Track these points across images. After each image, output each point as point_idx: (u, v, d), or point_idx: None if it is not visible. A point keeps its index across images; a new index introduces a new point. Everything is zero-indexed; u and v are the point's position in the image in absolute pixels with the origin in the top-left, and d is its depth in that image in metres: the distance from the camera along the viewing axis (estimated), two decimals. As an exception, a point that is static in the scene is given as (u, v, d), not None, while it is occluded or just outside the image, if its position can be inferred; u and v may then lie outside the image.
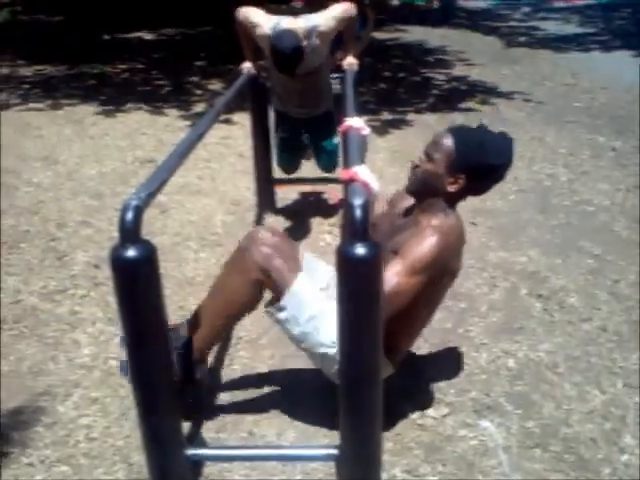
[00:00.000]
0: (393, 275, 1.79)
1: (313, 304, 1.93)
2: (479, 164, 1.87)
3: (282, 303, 1.93)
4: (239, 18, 3.21)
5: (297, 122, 3.49)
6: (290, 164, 3.68)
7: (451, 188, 1.91)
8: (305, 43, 2.97)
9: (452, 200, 1.96)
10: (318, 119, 3.47)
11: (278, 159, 3.67)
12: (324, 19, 3.07)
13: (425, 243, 1.82)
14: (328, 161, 3.61)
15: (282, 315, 1.95)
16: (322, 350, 1.93)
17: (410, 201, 2.06)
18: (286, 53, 2.90)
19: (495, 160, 1.89)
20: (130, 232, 1.40)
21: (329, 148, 3.53)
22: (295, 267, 2.00)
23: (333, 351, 1.85)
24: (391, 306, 1.79)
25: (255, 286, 1.98)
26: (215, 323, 2.05)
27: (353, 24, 3.27)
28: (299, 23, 3.02)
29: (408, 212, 2.05)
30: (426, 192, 1.94)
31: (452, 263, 1.95)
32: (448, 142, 1.89)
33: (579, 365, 2.43)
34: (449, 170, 1.89)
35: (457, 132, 1.93)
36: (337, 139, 3.47)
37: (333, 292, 1.97)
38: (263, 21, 3.10)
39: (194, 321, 2.10)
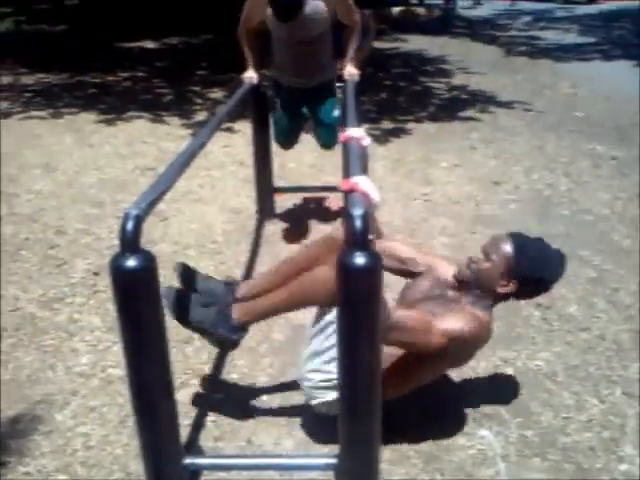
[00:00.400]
0: (428, 321, 1.85)
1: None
2: (533, 276, 1.96)
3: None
4: (243, 14, 3.26)
5: (296, 93, 3.46)
6: (287, 138, 3.63)
7: (501, 290, 1.99)
8: None
9: (496, 299, 2.04)
10: (317, 90, 3.44)
11: (275, 133, 3.62)
12: None
13: (467, 323, 1.90)
14: (327, 135, 3.54)
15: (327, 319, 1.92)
16: (334, 369, 1.92)
17: (451, 275, 2.10)
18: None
19: (549, 276, 1.99)
20: (130, 242, 1.41)
21: (327, 121, 3.47)
22: None
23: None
24: (405, 338, 1.82)
25: None
26: (281, 300, 1.96)
27: (354, 23, 3.29)
28: None
29: (453, 288, 2.08)
30: (476, 286, 2.01)
31: (467, 352, 2.01)
32: (508, 248, 1.97)
33: (578, 374, 2.43)
34: (504, 274, 1.97)
35: (518, 240, 2.00)
36: (337, 112, 3.44)
37: None
38: None
39: (253, 286, 2.14)
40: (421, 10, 13.31)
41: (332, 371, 1.91)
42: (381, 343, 1.90)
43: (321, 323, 1.97)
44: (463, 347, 1.94)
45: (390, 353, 1.98)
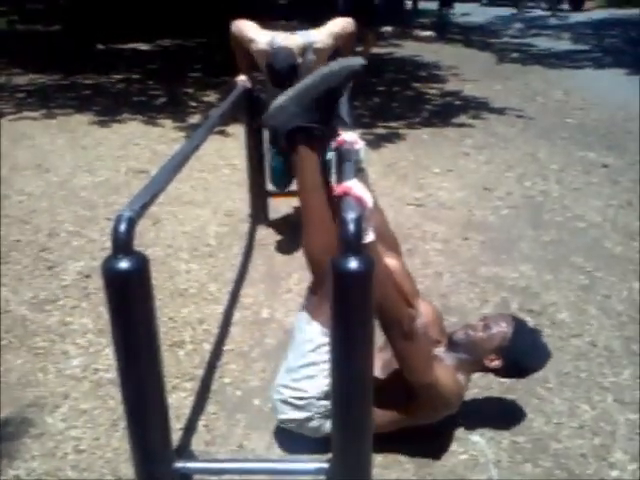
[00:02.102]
0: (429, 361, 1.88)
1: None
2: (521, 361, 2.04)
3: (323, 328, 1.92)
4: (234, 32, 3.22)
5: None
6: (283, 180, 3.63)
7: (487, 362, 2.03)
8: (300, 60, 2.98)
9: (477, 368, 2.08)
10: None
11: (271, 175, 3.63)
12: (321, 35, 3.09)
13: (444, 375, 1.92)
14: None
15: (322, 339, 1.92)
16: (306, 387, 1.96)
17: (438, 326, 2.18)
18: (282, 71, 2.92)
19: (532, 367, 2.08)
20: (123, 244, 1.40)
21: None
22: None
23: (314, 397, 1.95)
24: (415, 359, 1.84)
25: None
26: None
27: (351, 40, 3.28)
28: (295, 40, 3.04)
29: (436, 342, 2.11)
30: (465, 351, 2.04)
31: (435, 411, 2.00)
32: (508, 328, 2.02)
33: (569, 380, 2.44)
34: (495, 350, 2.01)
35: (519, 324, 2.06)
36: (330, 154, 3.44)
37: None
38: (259, 36, 3.12)
39: None
40: (418, 33, 13.28)
41: (303, 389, 1.95)
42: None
43: (299, 338, 1.99)
44: (438, 401, 1.94)
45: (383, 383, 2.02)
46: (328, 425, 1.91)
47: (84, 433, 2.12)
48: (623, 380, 2.44)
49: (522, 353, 2.02)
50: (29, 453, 2.03)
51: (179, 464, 1.72)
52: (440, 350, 2.07)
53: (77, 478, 1.94)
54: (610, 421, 2.21)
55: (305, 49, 3.03)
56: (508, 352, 2.00)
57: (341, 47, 3.25)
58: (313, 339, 1.95)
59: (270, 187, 3.86)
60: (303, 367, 1.95)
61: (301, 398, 1.96)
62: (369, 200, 1.72)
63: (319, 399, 1.94)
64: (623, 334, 2.74)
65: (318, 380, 1.93)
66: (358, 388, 1.54)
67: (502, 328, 2.02)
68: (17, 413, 2.21)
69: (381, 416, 1.91)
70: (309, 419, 1.98)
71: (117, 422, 2.15)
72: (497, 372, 2.09)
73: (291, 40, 3.03)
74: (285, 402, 2.00)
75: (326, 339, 1.88)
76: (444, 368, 1.96)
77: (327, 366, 1.86)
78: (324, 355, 1.88)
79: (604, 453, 2.07)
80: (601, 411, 2.27)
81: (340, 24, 3.14)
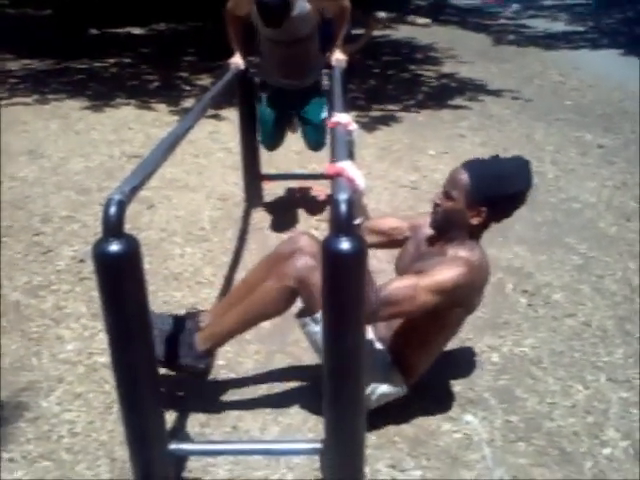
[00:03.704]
0: (412, 284, 1.82)
1: None
2: (498, 195, 1.89)
3: (319, 316, 1.89)
4: (229, 5, 3.23)
5: (283, 94, 3.45)
6: (274, 140, 3.63)
7: (474, 221, 1.93)
8: None
9: (477, 231, 1.98)
10: (304, 91, 3.44)
11: (261, 135, 3.60)
12: None
13: (451, 269, 1.84)
14: (314, 136, 3.54)
15: (317, 328, 1.93)
16: None
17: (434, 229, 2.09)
18: (272, 4, 2.90)
19: (513, 188, 1.91)
20: (113, 227, 1.40)
21: (315, 121, 3.46)
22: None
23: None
24: (398, 309, 1.82)
25: (289, 295, 1.95)
26: (236, 321, 2.02)
27: (344, 16, 3.27)
28: None
29: (433, 240, 2.05)
30: (450, 227, 1.96)
31: (472, 297, 1.96)
32: (464, 178, 1.90)
33: (563, 360, 2.45)
34: (469, 205, 1.91)
35: (472, 166, 1.93)
36: (324, 113, 3.43)
37: None
38: None
39: (215, 312, 2.15)
40: (412, 18, 13.16)
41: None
42: (378, 321, 1.92)
43: (312, 338, 2.00)
44: (462, 292, 1.87)
45: (403, 331, 2.01)
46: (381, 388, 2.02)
47: (78, 416, 2.12)
48: (616, 359, 2.45)
49: (493, 187, 1.88)
50: (24, 436, 2.04)
51: (173, 446, 1.73)
52: (437, 244, 2.00)
53: (72, 460, 1.95)
54: (603, 400, 2.23)
55: None
56: (481, 198, 1.88)
57: (335, 18, 3.27)
58: (316, 331, 1.94)
59: (265, 170, 3.86)
60: None
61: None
62: (361, 182, 1.72)
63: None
64: (617, 314, 2.75)
65: None
66: (350, 368, 1.54)
67: (460, 183, 1.90)
68: (11, 397, 2.21)
69: (434, 328, 1.94)
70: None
71: (111, 405, 2.15)
72: (495, 220, 1.97)
73: None
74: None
75: (320, 325, 1.90)
76: (442, 265, 1.86)
77: None
78: None
79: (597, 431, 2.08)
80: (594, 390, 2.28)
81: None
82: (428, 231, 2.08)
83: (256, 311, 2.00)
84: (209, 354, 2.10)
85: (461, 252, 1.92)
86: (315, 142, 3.60)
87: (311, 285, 1.88)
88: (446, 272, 1.83)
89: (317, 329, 1.92)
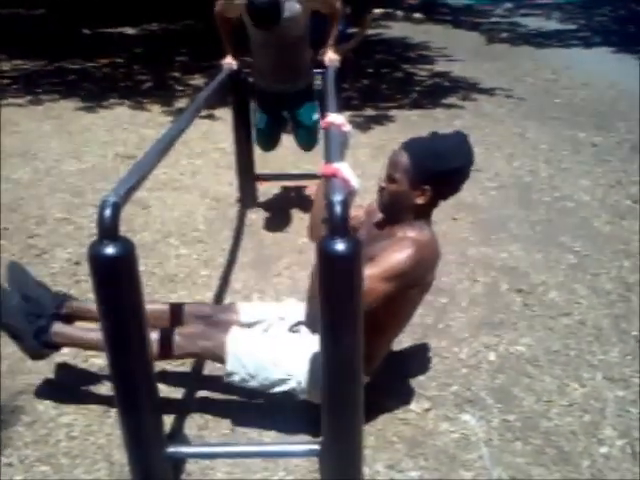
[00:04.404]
0: (366, 276, 1.78)
1: (254, 354, 2.00)
2: (439, 172, 1.85)
3: (228, 369, 2.00)
4: (218, 7, 3.23)
5: (276, 97, 3.45)
6: (269, 142, 3.64)
7: (420, 200, 1.90)
8: None
9: (425, 211, 1.95)
10: (297, 94, 3.44)
11: (256, 137, 3.62)
12: None
13: (400, 252, 1.82)
14: (307, 138, 3.56)
15: (236, 378, 2.00)
16: (288, 386, 2.00)
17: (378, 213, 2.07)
18: (262, 6, 2.90)
19: (454, 163, 1.87)
20: (108, 229, 1.40)
21: (307, 123, 3.48)
22: (222, 330, 2.06)
23: (294, 382, 1.98)
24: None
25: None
26: (93, 340, 2.03)
27: (336, 15, 3.27)
28: None
29: (383, 223, 2.04)
30: (397, 209, 1.94)
31: (424, 276, 1.94)
32: (404, 159, 1.88)
33: (559, 359, 2.45)
34: (413, 185, 1.88)
35: (410, 146, 1.90)
36: (316, 115, 3.44)
37: (274, 330, 2.15)
38: None
39: (85, 311, 2.21)
40: (400, 13, 13.17)
41: (286, 369, 1.99)
42: None
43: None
44: (414, 273, 1.85)
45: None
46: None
47: (76, 420, 2.12)
48: (612, 358, 2.46)
49: (433, 165, 1.84)
50: (21, 440, 2.03)
51: (171, 449, 1.73)
52: (386, 228, 1.99)
53: (70, 464, 1.94)
54: (599, 398, 2.23)
55: None
56: (423, 177, 1.85)
57: (327, 16, 3.28)
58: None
59: (260, 171, 3.86)
60: (265, 356, 2.01)
61: (290, 375, 1.98)
62: (356, 183, 1.71)
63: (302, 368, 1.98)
64: (612, 312, 2.76)
65: (281, 358, 2.00)
66: (348, 369, 1.54)
67: (400, 165, 1.87)
68: (8, 401, 2.20)
69: (391, 313, 1.94)
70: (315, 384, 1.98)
71: (109, 408, 2.15)
72: (441, 197, 1.93)
73: None
74: (295, 390, 2.01)
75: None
76: (390, 250, 1.84)
77: (274, 340, 2.05)
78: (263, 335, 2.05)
79: (593, 430, 2.09)
80: (590, 389, 2.28)
81: None
82: (379, 214, 2.06)
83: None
84: (57, 346, 2.12)
85: (409, 232, 1.90)
86: (307, 143, 3.63)
87: (200, 353, 2.07)
88: (394, 256, 1.81)
89: (236, 380, 2.02)
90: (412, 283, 1.88)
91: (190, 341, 2.01)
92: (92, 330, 2.05)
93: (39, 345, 2.06)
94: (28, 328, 2.05)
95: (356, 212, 2.22)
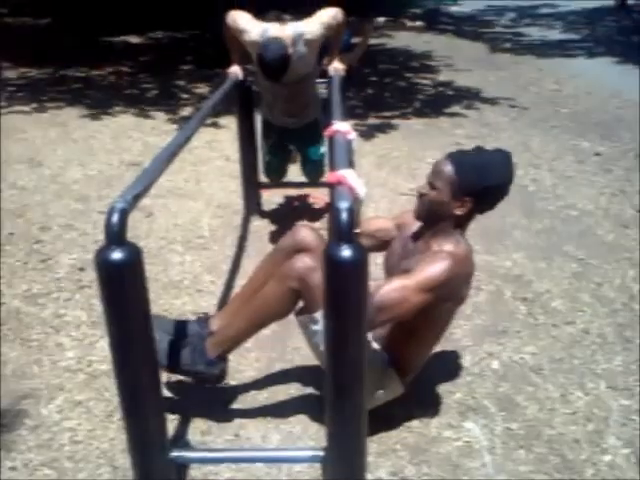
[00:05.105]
0: (401, 286, 1.83)
1: None
2: (482, 186, 1.90)
3: (318, 316, 1.91)
4: (228, 22, 3.22)
5: (284, 131, 3.49)
6: (277, 172, 3.69)
7: (458, 211, 1.94)
8: (291, 51, 2.98)
9: (461, 223, 1.99)
10: (305, 128, 3.47)
11: (265, 167, 3.67)
12: (311, 26, 3.08)
13: (437, 265, 1.84)
14: (313, 171, 3.61)
15: (316, 327, 1.93)
16: None
17: (419, 224, 2.09)
18: (273, 62, 2.92)
19: (496, 180, 1.93)
20: (116, 235, 1.41)
21: (314, 158, 3.53)
22: None
23: None
24: (391, 314, 1.83)
25: (292, 295, 1.95)
26: (243, 325, 2.03)
27: (340, 30, 3.28)
28: (286, 31, 3.03)
29: (418, 236, 2.07)
30: (435, 218, 1.97)
31: (460, 289, 1.97)
32: (448, 169, 1.92)
33: (563, 367, 2.45)
34: (454, 195, 1.92)
35: (456, 157, 1.95)
36: (323, 149, 3.48)
37: None
38: (251, 27, 3.11)
39: (223, 316, 2.16)
40: (406, 21, 13.22)
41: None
42: (375, 328, 1.92)
43: (313, 341, 2.00)
44: (450, 286, 1.88)
45: (397, 330, 2.01)
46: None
47: (80, 424, 2.12)
48: (616, 366, 2.45)
49: (477, 177, 1.89)
50: (25, 444, 2.04)
51: (175, 454, 1.73)
52: (422, 239, 2.02)
53: (73, 469, 1.95)
54: (603, 407, 2.23)
55: (296, 40, 3.03)
56: (465, 187, 1.90)
57: (331, 37, 3.25)
58: (316, 330, 1.94)
59: (264, 179, 3.87)
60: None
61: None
62: (362, 190, 1.72)
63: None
64: (616, 321, 2.76)
65: None
66: (352, 375, 1.55)
67: (444, 174, 1.92)
68: (12, 405, 2.20)
69: (425, 325, 1.95)
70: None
71: (112, 413, 2.15)
72: (479, 210, 1.98)
73: (282, 31, 3.03)
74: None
75: (320, 324, 1.90)
76: (427, 259, 1.88)
77: None
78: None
79: (597, 439, 2.09)
80: (594, 397, 2.28)
81: (330, 13, 3.13)
82: (413, 227, 2.09)
83: (262, 314, 2.00)
84: (221, 359, 2.09)
85: (445, 245, 1.93)
86: (314, 176, 3.66)
87: (311, 286, 1.89)
88: (431, 269, 1.84)
89: (316, 328, 1.93)
90: (447, 297, 1.92)
91: (309, 271, 1.91)
92: (235, 321, 2.05)
93: (207, 368, 2.05)
94: (189, 359, 2.05)
95: (385, 225, 2.25)
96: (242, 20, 3.16)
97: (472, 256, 1.98)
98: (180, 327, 2.16)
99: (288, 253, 2.07)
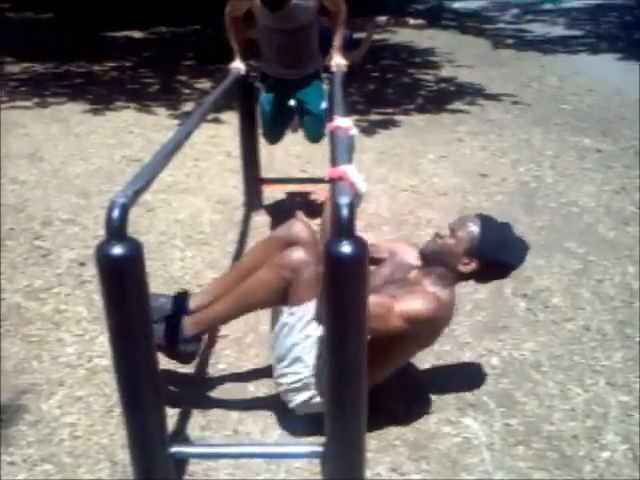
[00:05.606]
0: (388, 305, 1.86)
1: (315, 326, 1.94)
2: (495, 259, 1.99)
3: (294, 309, 1.95)
4: (229, 7, 3.24)
5: (283, 84, 3.44)
6: (274, 131, 3.61)
7: (462, 268, 2.01)
8: None
9: (457, 277, 2.05)
10: (304, 81, 3.44)
11: (262, 127, 3.60)
12: None
13: (425, 303, 1.91)
14: (314, 126, 3.50)
15: (289, 320, 1.96)
16: (298, 369, 1.98)
17: (414, 256, 2.13)
18: None
19: (510, 261, 2.03)
20: (116, 230, 1.41)
21: (315, 111, 3.45)
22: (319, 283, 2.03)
23: (309, 375, 1.97)
24: (369, 324, 1.82)
25: (283, 285, 1.96)
26: (227, 308, 2.04)
27: (339, 10, 3.29)
28: None
29: (412, 269, 2.10)
30: (439, 262, 2.03)
31: (433, 333, 2.04)
32: (475, 227, 2.00)
33: (562, 364, 2.45)
34: (467, 253, 1.99)
35: (485, 221, 2.03)
36: (324, 104, 3.43)
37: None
38: None
39: (204, 297, 2.14)
40: (408, 20, 13.16)
41: (298, 372, 1.97)
42: None
43: (275, 329, 2.02)
44: (426, 327, 1.94)
45: None
46: None
47: (79, 419, 2.13)
48: (615, 363, 2.46)
49: (495, 248, 1.98)
50: (25, 439, 2.04)
51: (174, 449, 1.73)
52: (416, 273, 2.07)
53: (73, 464, 1.95)
54: (602, 404, 2.23)
55: None
56: (480, 251, 1.98)
57: (331, 16, 3.31)
58: (286, 322, 1.97)
59: (265, 175, 3.87)
60: (290, 350, 1.98)
61: (298, 380, 1.98)
62: (362, 186, 1.72)
63: (314, 375, 1.96)
64: (616, 318, 2.76)
65: (306, 358, 1.96)
66: (352, 371, 1.55)
67: (469, 228, 2.00)
68: (12, 400, 2.21)
69: (388, 351, 1.95)
70: (313, 397, 1.99)
71: (112, 408, 2.16)
72: (477, 276, 2.06)
73: None
74: (288, 390, 2.02)
75: (293, 317, 1.95)
76: (417, 293, 1.94)
77: (308, 341, 1.93)
78: (300, 333, 1.94)
79: (596, 435, 2.09)
80: (593, 394, 2.28)
81: None
82: (406, 258, 2.14)
83: (249, 299, 2.02)
84: (198, 339, 2.09)
85: (437, 288, 1.99)
86: (315, 132, 3.55)
87: (302, 279, 1.92)
88: (419, 304, 1.90)
89: (288, 321, 1.96)
90: (419, 334, 1.96)
91: (303, 265, 1.94)
92: (217, 303, 2.05)
93: (182, 345, 2.04)
94: (163, 335, 2.03)
95: (379, 242, 2.27)
96: None
97: (453, 308, 2.05)
98: (158, 301, 2.11)
99: (282, 244, 2.08)
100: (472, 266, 2.00)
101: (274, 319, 2.07)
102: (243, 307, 2.04)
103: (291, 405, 2.06)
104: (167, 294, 2.20)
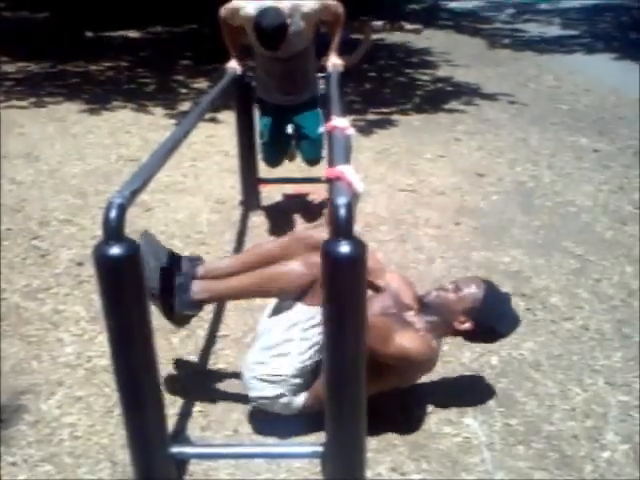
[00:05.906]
0: (392, 329, 1.91)
1: (316, 332, 1.92)
2: (490, 326, 2.08)
3: (307, 308, 1.94)
4: (223, 13, 3.24)
5: (280, 110, 3.45)
6: (274, 157, 3.62)
7: (457, 325, 2.07)
8: (289, 20, 2.98)
9: (449, 332, 2.12)
10: (301, 107, 3.44)
11: (262, 152, 3.62)
12: (308, 2, 3.10)
13: (416, 342, 1.95)
14: (312, 151, 3.53)
15: (297, 315, 1.95)
16: (282, 365, 1.96)
17: (410, 297, 2.18)
18: (270, 27, 2.92)
19: (502, 330, 2.12)
20: (114, 230, 1.40)
21: (312, 136, 3.46)
22: None
23: (289, 375, 1.96)
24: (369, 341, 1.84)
25: (307, 283, 1.94)
26: (244, 285, 2.01)
27: (338, 20, 3.28)
28: (283, 3, 3.04)
29: (407, 308, 2.13)
30: (436, 312, 2.08)
31: (413, 374, 2.09)
32: (479, 291, 2.07)
33: (561, 363, 2.46)
34: (465, 312, 2.06)
35: (492, 290, 2.11)
36: (321, 129, 3.44)
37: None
38: (247, 4, 3.12)
39: (217, 268, 2.13)
40: (404, 24, 13.14)
41: (278, 367, 1.95)
42: None
43: (279, 317, 2.01)
44: (411, 366, 2.00)
45: None
46: (297, 402, 1.99)
47: (79, 419, 2.13)
48: (614, 362, 2.46)
49: (492, 316, 2.06)
50: (25, 440, 2.04)
51: (175, 449, 1.73)
52: (410, 314, 2.10)
53: (73, 464, 1.95)
54: (602, 403, 2.24)
55: (292, 12, 3.03)
56: (478, 315, 2.05)
57: (330, 27, 3.31)
58: (292, 316, 1.96)
59: (262, 174, 3.86)
60: (281, 344, 1.96)
61: (275, 375, 1.96)
62: (360, 186, 1.72)
63: (293, 376, 1.96)
64: (614, 317, 2.76)
65: (292, 358, 1.95)
66: (351, 371, 1.55)
67: (473, 290, 2.06)
68: (12, 400, 2.21)
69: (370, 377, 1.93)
70: (280, 396, 1.98)
71: (112, 408, 2.16)
72: (467, 335, 2.13)
73: (279, 3, 3.03)
74: (259, 379, 1.98)
75: (302, 315, 1.94)
76: (412, 332, 1.98)
77: (303, 344, 1.93)
78: (300, 332, 1.93)
79: (596, 435, 2.09)
80: (593, 393, 2.29)
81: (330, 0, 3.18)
82: (404, 299, 2.16)
83: (270, 284, 1.99)
84: (200, 306, 2.06)
85: (428, 334, 2.04)
86: (312, 156, 3.58)
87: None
88: (416, 343, 1.95)
89: (294, 315, 1.95)
90: (401, 371, 2.01)
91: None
92: (232, 279, 2.03)
93: (182, 305, 1.99)
94: (169, 288, 1.98)
95: (377, 265, 2.25)
96: (236, 3, 3.18)
97: (436, 359, 2.09)
98: (172, 259, 2.08)
99: (312, 247, 2.00)
100: (466, 325, 2.06)
101: (277, 310, 2.05)
102: (260, 290, 2.02)
103: (252, 394, 2.02)
104: (180, 254, 2.17)
